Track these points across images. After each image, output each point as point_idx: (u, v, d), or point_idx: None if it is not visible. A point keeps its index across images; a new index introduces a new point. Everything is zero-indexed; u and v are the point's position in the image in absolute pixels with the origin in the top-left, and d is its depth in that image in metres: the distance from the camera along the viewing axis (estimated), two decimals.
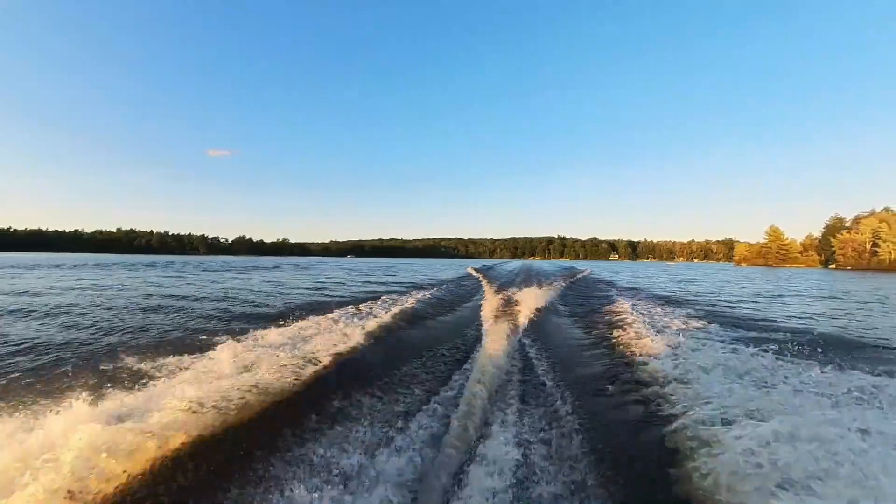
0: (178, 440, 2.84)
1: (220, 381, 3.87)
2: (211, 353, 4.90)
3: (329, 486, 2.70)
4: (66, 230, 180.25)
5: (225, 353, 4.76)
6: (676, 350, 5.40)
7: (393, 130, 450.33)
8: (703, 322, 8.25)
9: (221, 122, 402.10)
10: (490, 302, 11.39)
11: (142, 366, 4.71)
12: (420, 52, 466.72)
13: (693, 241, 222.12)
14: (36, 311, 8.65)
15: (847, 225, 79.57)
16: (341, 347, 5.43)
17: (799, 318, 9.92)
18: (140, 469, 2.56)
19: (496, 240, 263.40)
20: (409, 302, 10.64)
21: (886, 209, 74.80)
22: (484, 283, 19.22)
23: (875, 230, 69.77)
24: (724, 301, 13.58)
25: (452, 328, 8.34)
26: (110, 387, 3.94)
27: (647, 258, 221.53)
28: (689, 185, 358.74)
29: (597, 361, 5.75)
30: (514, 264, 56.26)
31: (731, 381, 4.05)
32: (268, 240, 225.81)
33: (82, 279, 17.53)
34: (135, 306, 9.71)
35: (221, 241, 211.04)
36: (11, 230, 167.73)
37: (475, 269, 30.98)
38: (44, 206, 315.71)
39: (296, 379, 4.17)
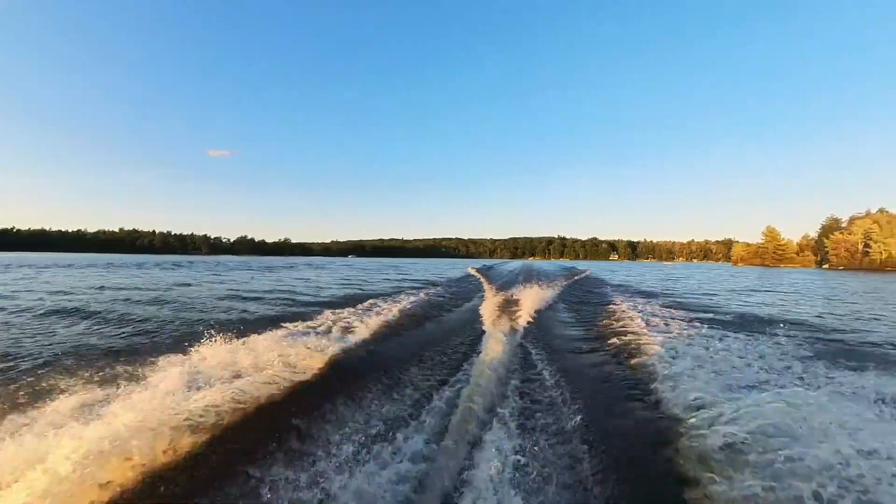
0: (178, 439, 2.88)
1: (219, 380, 3.98)
2: (210, 351, 5.01)
3: (329, 486, 2.71)
4: (69, 230, 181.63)
5: (223, 352, 4.94)
6: (674, 349, 5.69)
7: (393, 130, 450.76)
8: (694, 318, 8.88)
9: (221, 122, 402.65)
10: (490, 302, 11.42)
11: (161, 361, 4.94)
12: (420, 52, 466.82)
13: (693, 241, 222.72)
14: (85, 310, 9.52)
15: (843, 226, 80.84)
16: (341, 347, 5.54)
17: (784, 312, 10.69)
18: (141, 468, 2.58)
19: (496, 240, 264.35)
20: (410, 301, 10.84)
21: (881, 210, 76.05)
22: (484, 282, 19.30)
23: (867, 231, 71.18)
24: (718, 298, 14.45)
25: (453, 328, 8.42)
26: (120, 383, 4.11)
27: (647, 258, 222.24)
28: (689, 185, 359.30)
29: (597, 361, 5.86)
30: (515, 264, 56.06)
31: (725, 379, 4.33)
32: (268, 240, 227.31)
33: (107, 278, 18.44)
34: (184, 304, 10.64)
35: (223, 240, 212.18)
36: (15, 230, 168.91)
37: (476, 270, 31.03)
38: (44, 206, 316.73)
39: (295, 379, 4.24)
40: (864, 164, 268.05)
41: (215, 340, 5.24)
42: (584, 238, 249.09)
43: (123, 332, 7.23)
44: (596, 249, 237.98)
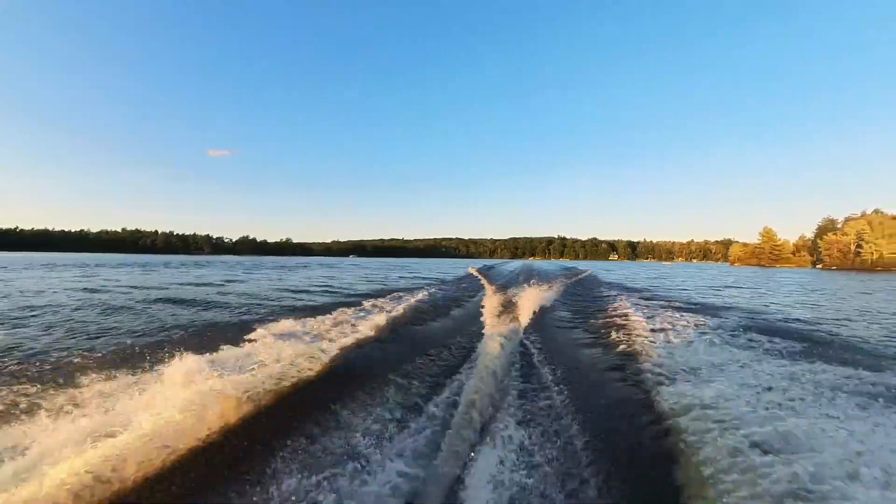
0: (177, 439, 2.90)
1: (215, 380, 4.00)
2: (216, 349, 5.10)
3: (328, 486, 2.73)
4: (72, 230, 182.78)
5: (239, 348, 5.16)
6: (673, 348, 5.77)
7: (393, 130, 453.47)
8: (695, 317, 8.89)
9: (221, 122, 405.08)
10: (491, 301, 11.43)
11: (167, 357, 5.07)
12: (420, 52, 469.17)
13: (692, 241, 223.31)
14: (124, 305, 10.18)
15: (839, 226, 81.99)
16: (341, 347, 5.62)
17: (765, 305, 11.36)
18: (141, 468, 2.59)
19: (496, 240, 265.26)
20: (410, 301, 10.90)
21: (877, 211, 77.25)
22: (485, 282, 19.35)
23: (859, 232, 72.57)
24: (718, 298, 15.00)
25: (454, 328, 8.47)
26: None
27: (647, 258, 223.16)
28: (689, 186, 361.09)
29: (597, 360, 5.93)
30: (515, 264, 55.78)
31: (725, 377, 4.39)
32: (269, 240, 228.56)
33: (150, 277, 19.02)
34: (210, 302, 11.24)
35: (225, 241, 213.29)
36: (18, 230, 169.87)
37: (476, 270, 31.18)
38: (45, 206, 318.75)
39: (296, 378, 4.29)
40: (863, 164, 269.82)
41: (228, 339, 5.66)
42: (584, 238, 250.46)
43: (153, 326, 7.83)
44: (596, 249, 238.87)
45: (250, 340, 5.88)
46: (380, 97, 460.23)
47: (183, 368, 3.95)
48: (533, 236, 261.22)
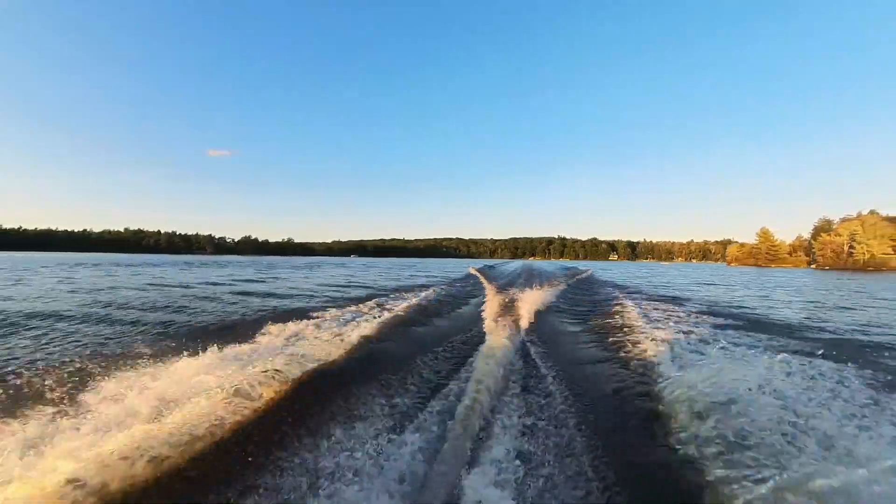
0: (177, 439, 2.89)
1: (215, 378, 4.02)
2: (214, 348, 5.15)
3: (328, 486, 2.74)
4: (75, 230, 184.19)
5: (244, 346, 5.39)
6: (674, 348, 5.76)
7: (393, 130, 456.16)
8: (697, 317, 9.12)
9: (221, 122, 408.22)
10: (491, 302, 11.37)
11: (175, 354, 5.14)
12: (420, 52, 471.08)
13: (692, 241, 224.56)
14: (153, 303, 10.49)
15: (834, 227, 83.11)
16: (341, 346, 5.63)
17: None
18: (142, 468, 2.60)
19: (496, 240, 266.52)
20: (411, 301, 10.97)
21: (872, 212, 78.40)
22: (485, 283, 19.25)
23: (852, 233, 73.93)
24: (719, 295, 15.68)
25: (454, 328, 8.46)
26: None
27: (647, 258, 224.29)
28: (689, 186, 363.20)
29: (598, 360, 5.94)
30: (515, 264, 54.69)
31: (725, 377, 4.30)
32: (270, 239, 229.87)
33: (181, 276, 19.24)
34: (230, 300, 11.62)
35: (228, 240, 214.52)
36: (21, 230, 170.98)
37: (476, 270, 30.88)
38: (46, 206, 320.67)
39: (295, 378, 4.29)
40: (863, 164, 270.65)
41: (236, 336, 5.91)
42: (584, 238, 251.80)
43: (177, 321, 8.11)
44: (596, 249, 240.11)
45: (257, 338, 6.31)
46: (380, 97, 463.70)
47: (195, 364, 4.28)
48: (533, 236, 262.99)
